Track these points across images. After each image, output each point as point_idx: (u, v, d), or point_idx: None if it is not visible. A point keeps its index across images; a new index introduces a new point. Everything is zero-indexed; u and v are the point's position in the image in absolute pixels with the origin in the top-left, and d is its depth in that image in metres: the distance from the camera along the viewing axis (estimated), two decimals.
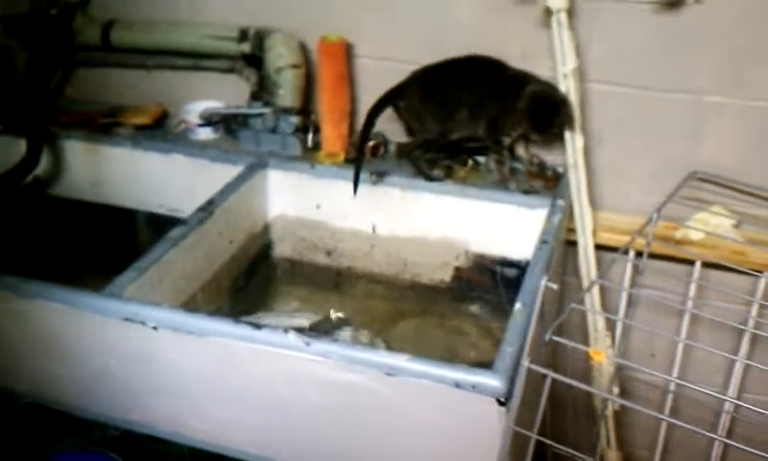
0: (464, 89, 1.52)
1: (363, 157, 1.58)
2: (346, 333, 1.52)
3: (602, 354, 1.27)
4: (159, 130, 1.80)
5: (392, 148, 1.68)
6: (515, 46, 1.54)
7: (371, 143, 1.65)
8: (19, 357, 1.39)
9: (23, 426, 1.93)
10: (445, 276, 1.64)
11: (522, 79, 1.49)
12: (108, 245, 1.86)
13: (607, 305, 1.63)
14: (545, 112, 1.46)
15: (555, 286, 1.10)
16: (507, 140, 1.55)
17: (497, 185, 1.56)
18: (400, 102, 1.59)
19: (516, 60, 1.52)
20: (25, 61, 1.86)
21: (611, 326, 1.59)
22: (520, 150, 1.59)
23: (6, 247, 1.76)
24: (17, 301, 1.28)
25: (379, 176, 1.60)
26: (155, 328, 1.19)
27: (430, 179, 1.58)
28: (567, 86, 1.47)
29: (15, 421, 1.87)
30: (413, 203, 1.60)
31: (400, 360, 1.08)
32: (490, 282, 1.60)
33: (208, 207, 1.49)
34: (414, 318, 1.64)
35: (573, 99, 1.47)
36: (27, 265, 1.40)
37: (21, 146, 1.73)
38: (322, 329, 1.50)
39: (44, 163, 1.80)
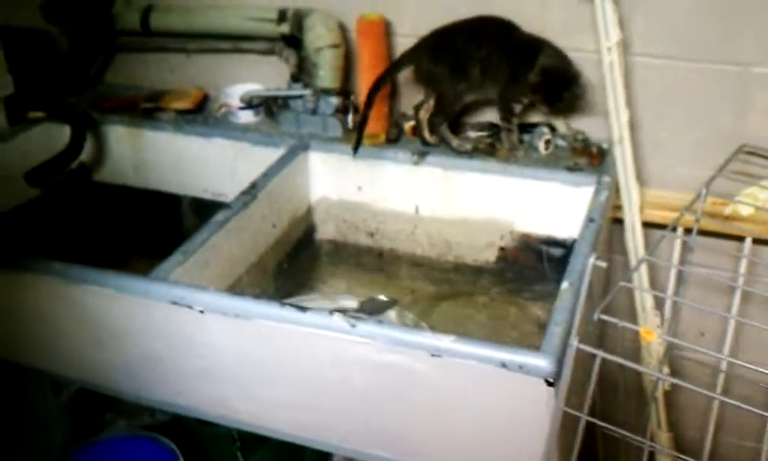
0: (474, 44, 1.51)
1: (365, 124, 1.58)
2: (390, 315, 1.52)
3: (653, 333, 1.25)
4: (200, 114, 1.81)
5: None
6: (556, 20, 1.51)
7: (410, 123, 1.64)
8: (69, 343, 1.40)
9: (76, 411, 1.96)
10: (490, 256, 1.62)
11: (536, 45, 1.49)
12: (153, 229, 1.88)
13: (655, 284, 1.61)
14: (556, 86, 1.46)
15: (604, 264, 1.08)
16: (518, 107, 1.53)
17: (541, 162, 1.54)
18: (411, 65, 1.58)
19: (557, 33, 1.50)
20: (66, 48, 1.88)
21: (659, 305, 1.57)
22: (562, 126, 1.57)
23: (53, 233, 1.78)
24: (66, 287, 1.30)
25: (420, 156, 1.59)
26: (201, 312, 1.20)
27: (453, 149, 1.58)
28: (611, 60, 1.44)
29: (69, 406, 1.91)
30: (455, 183, 1.59)
31: (446, 341, 1.08)
32: (535, 262, 1.58)
33: (251, 191, 1.49)
34: (458, 299, 1.63)
35: (617, 73, 1.44)
36: (73, 251, 1.41)
37: (65, 132, 1.75)
38: (366, 311, 1.49)
39: (88, 149, 1.82)
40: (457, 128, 1.62)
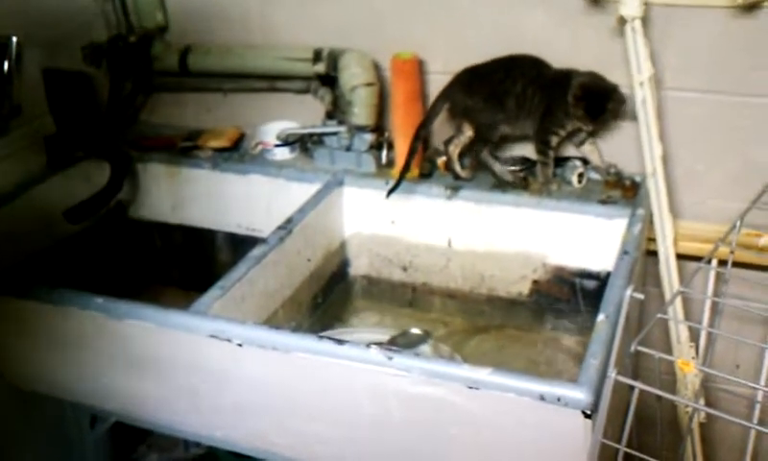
0: (509, 80, 1.53)
1: (407, 170, 1.58)
2: (424, 348, 1.53)
3: (691, 364, 1.25)
4: (237, 151, 1.83)
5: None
6: (587, 56, 1.53)
7: (442, 159, 1.66)
8: (109, 376, 1.42)
9: (110, 445, 1.98)
10: (523, 289, 1.63)
11: (567, 74, 1.51)
12: (188, 263, 1.91)
13: (690, 316, 1.60)
14: (597, 99, 1.47)
15: (641, 296, 1.08)
16: (555, 139, 1.54)
17: (574, 196, 1.55)
18: (446, 103, 1.59)
19: (589, 69, 1.51)
20: (106, 89, 1.92)
21: (694, 337, 1.56)
22: (596, 159, 1.58)
23: (89, 268, 1.81)
24: (108, 320, 1.32)
25: (453, 190, 1.61)
26: (239, 345, 1.22)
27: (495, 175, 1.59)
28: (644, 95, 1.45)
29: (104, 440, 1.92)
30: (488, 216, 1.60)
31: (483, 374, 1.08)
32: (568, 295, 1.59)
33: (287, 226, 1.52)
34: (492, 332, 1.64)
35: (650, 107, 1.45)
36: (109, 285, 1.44)
37: (105, 170, 1.78)
38: (400, 345, 1.50)
39: (125, 186, 1.84)
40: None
